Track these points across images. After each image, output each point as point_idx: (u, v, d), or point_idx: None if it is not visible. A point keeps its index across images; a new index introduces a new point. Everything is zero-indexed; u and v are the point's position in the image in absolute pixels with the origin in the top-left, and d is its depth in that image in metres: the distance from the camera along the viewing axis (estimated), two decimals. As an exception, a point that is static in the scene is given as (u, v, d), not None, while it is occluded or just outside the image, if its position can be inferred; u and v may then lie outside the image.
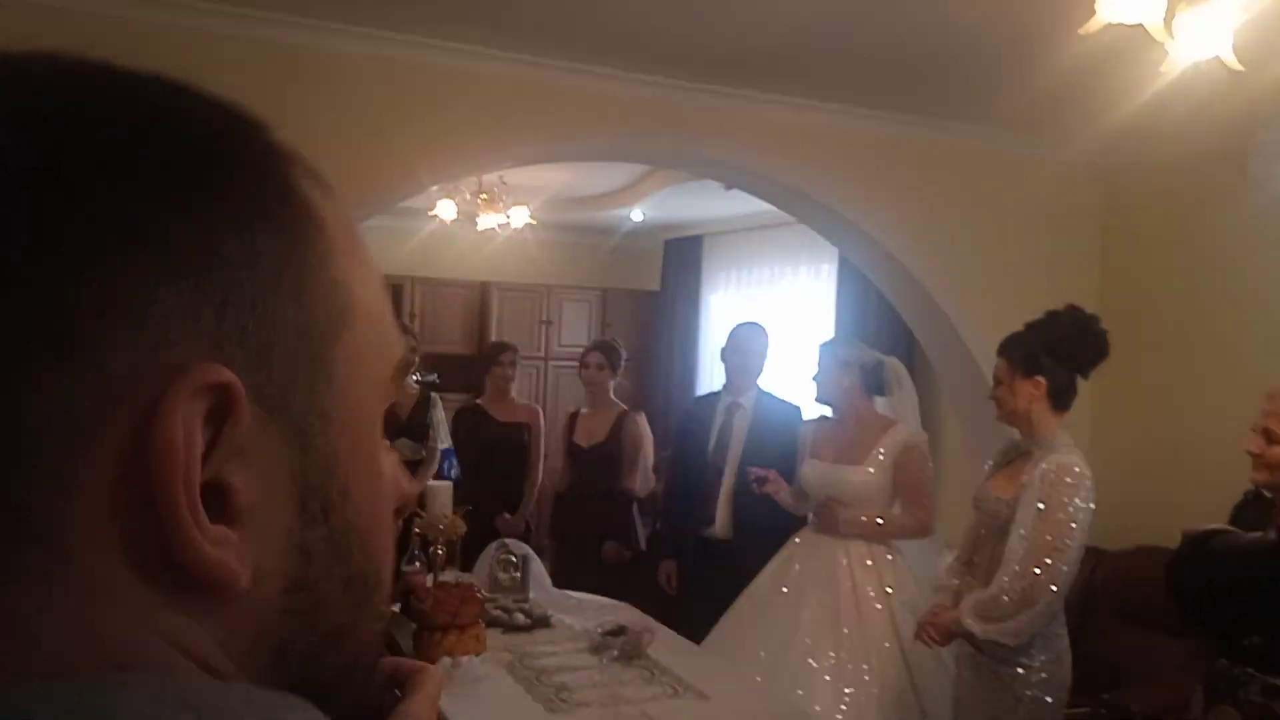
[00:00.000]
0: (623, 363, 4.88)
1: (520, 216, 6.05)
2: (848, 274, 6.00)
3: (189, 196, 0.39)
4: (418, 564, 3.34)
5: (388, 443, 0.49)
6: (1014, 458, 2.77)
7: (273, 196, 0.42)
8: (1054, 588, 2.54)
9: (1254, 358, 4.00)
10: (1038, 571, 2.52)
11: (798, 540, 3.43)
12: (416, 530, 3.42)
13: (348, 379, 0.43)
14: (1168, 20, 2.01)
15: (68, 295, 0.36)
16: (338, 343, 0.42)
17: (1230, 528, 1.18)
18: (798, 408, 4.10)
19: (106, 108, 0.40)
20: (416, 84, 3.36)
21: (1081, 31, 2.03)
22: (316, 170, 0.47)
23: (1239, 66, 2.08)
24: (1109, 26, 1.99)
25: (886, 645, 3.11)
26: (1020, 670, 2.59)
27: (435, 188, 5.03)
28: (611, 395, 4.78)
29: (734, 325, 4.21)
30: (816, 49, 3.34)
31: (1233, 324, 4.14)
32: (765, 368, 4.10)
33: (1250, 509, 2.59)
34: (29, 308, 0.35)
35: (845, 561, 3.25)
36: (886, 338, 5.59)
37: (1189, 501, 3.87)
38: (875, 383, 3.49)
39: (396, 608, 3.28)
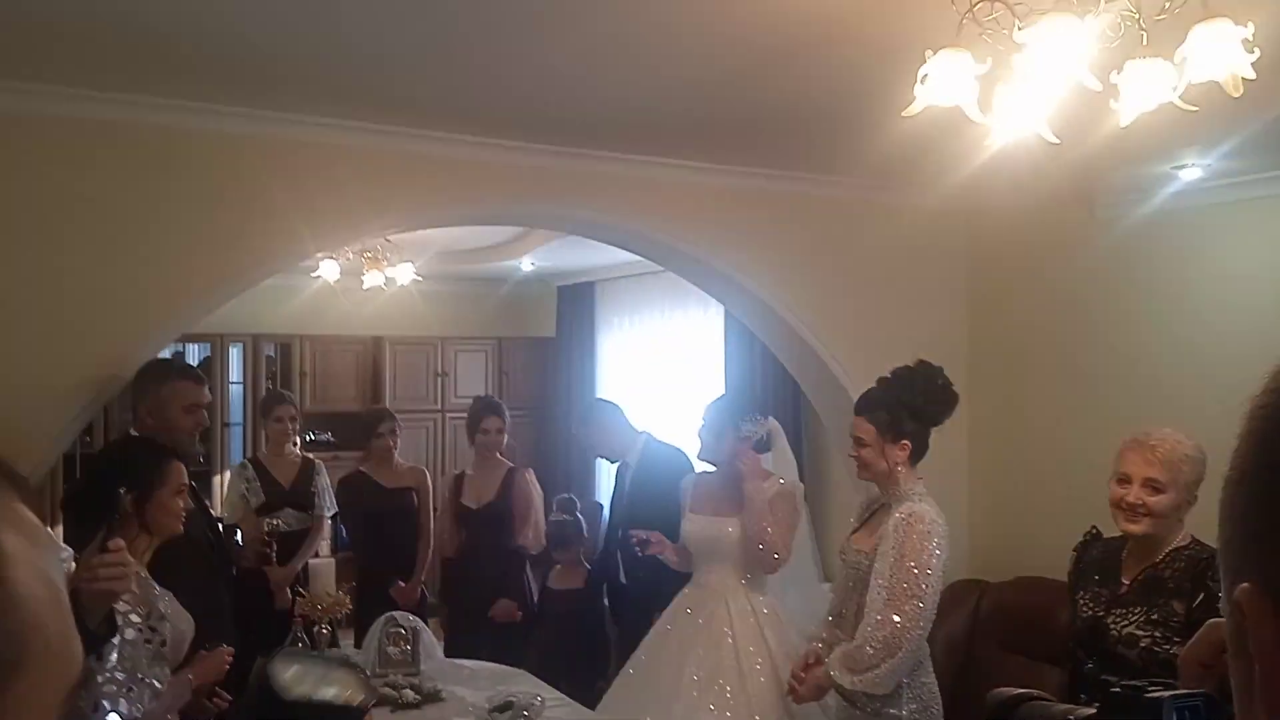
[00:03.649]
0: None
1: (406, 273, 6.01)
2: (735, 316, 6.11)
3: None
4: (300, 645, 3.28)
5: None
6: (875, 510, 2.86)
7: None
8: (915, 634, 2.62)
9: (1113, 385, 4.21)
10: (897, 619, 2.59)
11: (681, 600, 3.45)
12: (299, 613, 3.36)
13: None
14: (985, 99, 2.12)
15: None
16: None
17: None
18: (683, 454, 4.19)
19: None
20: (299, 158, 3.41)
21: (904, 114, 2.13)
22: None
23: (1055, 140, 2.20)
24: (930, 107, 2.09)
25: (769, 700, 3.15)
26: (890, 720, 2.66)
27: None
28: (498, 454, 4.76)
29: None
30: (677, 112, 3.42)
31: (1092, 354, 4.35)
32: (620, 434, 4.40)
33: (1093, 547, 2.70)
34: None
35: (727, 617, 3.29)
36: (773, 381, 5.71)
37: (1064, 531, 4.05)
38: (762, 445, 3.56)
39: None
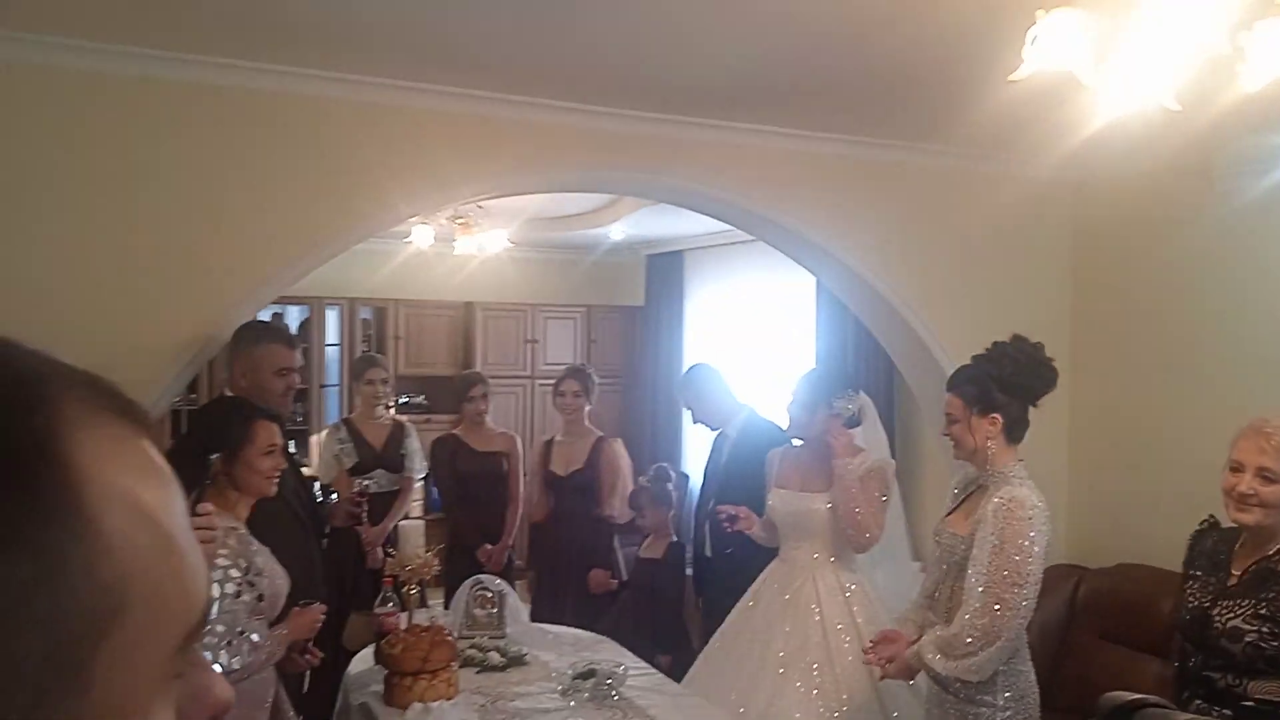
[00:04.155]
0: (595, 388, 4.88)
1: (498, 240, 6.05)
2: (826, 287, 6.00)
3: None
4: (390, 605, 3.33)
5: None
6: (971, 491, 2.77)
7: (20, 514, 0.39)
8: (1015, 623, 2.53)
9: (1226, 368, 4.00)
10: (997, 608, 2.51)
11: (767, 575, 3.42)
12: (389, 573, 3.42)
13: (109, 683, 0.41)
14: (1099, 63, 2.01)
15: None
16: (99, 652, 0.40)
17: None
18: (780, 429, 4.14)
19: None
20: (393, 123, 3.43)
21: (1010, 79, 2.03)
22: (113, 409, 0.45)
23: (1176, 108, 2.07)
24: (1039, 71, 1.99)
25: (858, 679, 3.10)
26: (985, 709, 2.58)
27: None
28: (586, 422, 4.78)
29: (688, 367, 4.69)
30: (773, 77, 3.34)
31: (1204, 335, 4.14)
32: (721, 402, 4.33)
33: (1208, 536, 2.59)
34: None
35: (815, 594, 3.24)
36: (865, 354, 5.60)
37: (1169, 518, 3.91)
38: (853, 420, 3.49)
39: (370, 651, 3.29)
